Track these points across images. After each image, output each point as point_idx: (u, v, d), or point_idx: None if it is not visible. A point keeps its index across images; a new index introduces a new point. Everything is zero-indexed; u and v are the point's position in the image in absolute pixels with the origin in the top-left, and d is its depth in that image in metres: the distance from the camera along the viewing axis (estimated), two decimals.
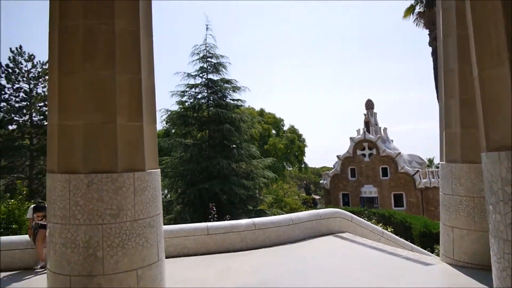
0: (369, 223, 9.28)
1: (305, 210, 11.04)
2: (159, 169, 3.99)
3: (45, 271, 6.14)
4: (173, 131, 20.54)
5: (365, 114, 38.45)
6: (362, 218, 11.11)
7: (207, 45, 19.04)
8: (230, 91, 19.00)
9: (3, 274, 6.22)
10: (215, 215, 12.04)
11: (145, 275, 3.62)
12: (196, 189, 16.11)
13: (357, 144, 36.62)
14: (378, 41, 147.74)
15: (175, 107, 19.56)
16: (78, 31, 3.50)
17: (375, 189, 35.29)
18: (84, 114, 3.42)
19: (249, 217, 12.94)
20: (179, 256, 6.89)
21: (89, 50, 3.49)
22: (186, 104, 19.01)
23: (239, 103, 19.32)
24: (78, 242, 3.37)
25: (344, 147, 39.12)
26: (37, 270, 6.39)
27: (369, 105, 38.71)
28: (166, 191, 18.58)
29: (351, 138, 37.10)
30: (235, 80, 19.08)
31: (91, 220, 3.36)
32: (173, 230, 7.01)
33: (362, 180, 36.08)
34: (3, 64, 25.32)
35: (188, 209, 16.48)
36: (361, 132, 37.07)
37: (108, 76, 3.50)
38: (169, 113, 18.95)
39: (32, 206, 6.97)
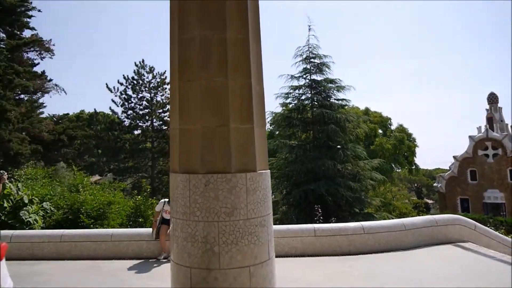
0: (497, 233, 8.23)
1: (417, 215, 10.25)
2: (269, 170, 4.10)
3: (167, 261, 6.80)
4: (277, 132, 20.99)
5: (487, 110, 34.29)
6: (488, 227, 9.91)
7: (310, 46, 19.03)
8: (334, 91, 18.68)
9: (135, 261, 7.04)
10: (321, 217, 11.93)
11: (257, 272, 3.75)
12: (301, 190, 16.17)
13: (478, 143, 32.84)
14: (500, 28, 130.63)
15: (279, 109, 19.94)
16: (194, 42, 3.79)
17: (501, 194, 31.21)
18: (201, 119, 3.69)
19: (356, 220, 12.51)
20: (287, 256, 6.99)
21: (204, 59, 3.75)
22: (290, 105, 19.23)
23: (344, 102, 18.88)
24: (197, 237, 3.64)
25: (461, 147, 35.41)
26: (161, 260, 7.10)
27: (493, 99, 34.40)
28: (271, 192, 19.03)
29: (470, 137, 33.41)
30: (339, 79, 18.71)
31: (208, 217, 3.61)
32: (280, 230, 7.14)
33: (484, 183, 32.22)
34: (129, 76, 28.78)
35: (294, 210, 16.63)
36: (483, 129, 33.11)
37: (222, 82, 3.72)
38: (273, 115, 19.40)
39: (164, 200, 7.64)
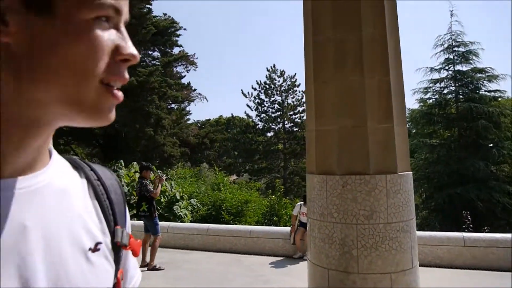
0: None
1: None
2: (411, 172, 3.81)
3: (302, 260, 6.91)
4: (415, 131, 19.43)
5: None
6: None
7: (453, 33, 17.10)
8: (485, 82, 16.39)
9: (271, 258, 7.36)
10: (470, 225, 10.60)
11: (399, 280, 3.52)
12: (445, 194, 14.63)
13: None
14: None
15: (416, 106, 18.45)
16: (329, 43, 3.76)
17: None
18: (337, 119, 3.64)
19: None
20: (429, 266, 6.40)
21: (339, 59, 3.70)
22: (430, 101, 17.60)
23: (497, 94, 16.42)
24: (335, 239, 3.59)
25: None
26: (295, 258, 7.26)
27: None
28: None
29: None
30: (490, 68, 16.35)
31: (346, 219, 3.53)
32: (422, 237, 6.58)
33: None
34: (262, 81, 30.29)
35: (436, 216, 15.17)
36: None
37: (358, 81, 3.61)
38: (410, 112, 18.04)
39: (300, 203, 7.83)
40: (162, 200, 11.66)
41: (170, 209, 11.67)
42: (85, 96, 0.46)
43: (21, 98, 0.44)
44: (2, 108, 0.44)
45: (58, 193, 0.51)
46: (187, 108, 27.96)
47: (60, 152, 0.65)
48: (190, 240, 8.33)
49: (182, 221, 11.27)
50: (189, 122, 29.19)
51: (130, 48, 0.48)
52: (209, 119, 42.17)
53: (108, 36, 0.46)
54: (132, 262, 0.65)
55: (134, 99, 19.40)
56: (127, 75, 0.49)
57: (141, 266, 6.17)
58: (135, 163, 12.45)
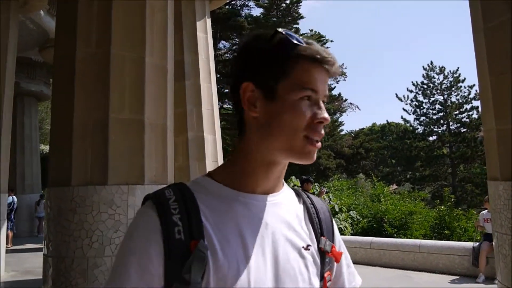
0: None
1: None
2: None
3: (487, 283, 5.94)
4: None
5: None
6: None
7: None
8: None
9: (446, 277, 6.57)
10: None
11: None
12: None
13: None
14: None
15: None
16: (504, 29, 3.22)
17: None
18: None
19: None
20: None
21: None
22: None
23: None
24: None
25: None
26: (479, 282, 6.26)
27: None
28: None
29: None
30: None
31: None
32: None
33: None
34: (418, 81, 27.93)
35: None
36: None
37: None
38: None
39: (482, 212, 6.83)
40: None
41: None
42: (294, 145, 0.72)
43: (263, 147, 0.74)
44: (253, 155, 0.75)
45: (285, 208, 0.80)
46: (339, 119, 27.71)
47: None
48: (353, 253, 8.12)
49: (342, 234, 11.11)
50: (342, 133, 28.86)
51: (322, 114, 0.73)
52: (363, 128, 40.81)
53: (308, 108, 0.72)
54: (347, 272, 0.91)
55: None
56: (323, 132, 0.73)
57: None
58: (293, 177, 12.91)
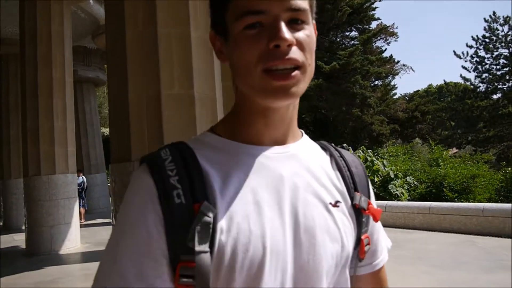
0: None
1: None
2: None
3: None
4: None
5: None
6: None
7: None
8: None
9: None
10: None
11: None
12: None
13: None
14: None
15: None
16: None
17: None
18: None
19: None
20: None
21: None
22: None
23: None
24: None
25: None
26: None
27: None
28: None
29: None
30: None
31: None
32: None
33: None
34: (479, 36, 25.78)
35: None
36: None
37: None
38: None
39: None
40: (376, 179, 11.50)
41: (385, 188, 11.40)
42: (254, 84, 0.60)
43: (243, 94, 0.65)
44: (245, 102, 0.65)
45: (304, 159, 0.68)
46: (392, 83, 26.50)
47: None
48: (411, 219, 7.94)
49: (399, 200, 10.85)
50: (396, 97, 27.59)
51: (275, 35, 0.57)
52: (418, 90, 38.82)
53: (256, 36, 0.58)
54: (382, 241, 0.80)
55: (337, 82, 19.80)
56: (294, 56, 0.58)
57: None
58: (345, 144, 12.69)
